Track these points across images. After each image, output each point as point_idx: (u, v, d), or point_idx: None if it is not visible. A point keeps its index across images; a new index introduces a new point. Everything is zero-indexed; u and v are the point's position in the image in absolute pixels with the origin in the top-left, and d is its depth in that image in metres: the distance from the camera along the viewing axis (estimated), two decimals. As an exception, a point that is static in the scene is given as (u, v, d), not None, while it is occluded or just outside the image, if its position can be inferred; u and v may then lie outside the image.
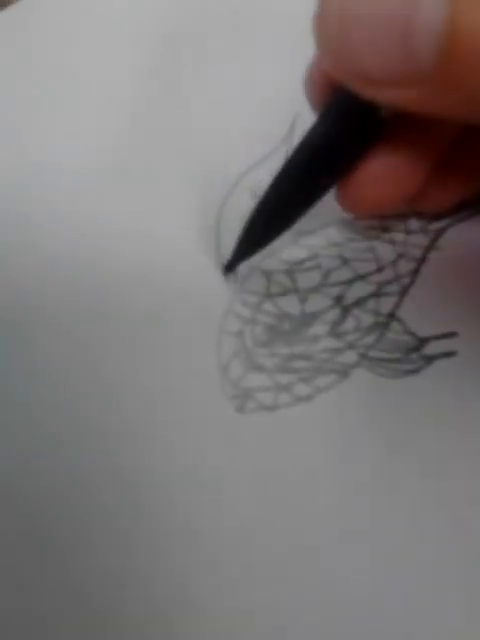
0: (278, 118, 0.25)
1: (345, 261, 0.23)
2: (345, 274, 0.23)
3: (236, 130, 0.26)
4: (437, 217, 0.24)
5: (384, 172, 0.20)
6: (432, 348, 0.22)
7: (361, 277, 0.23)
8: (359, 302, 0.23)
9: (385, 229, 0.24)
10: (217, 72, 0.27)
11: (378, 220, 0.24)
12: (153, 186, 0.25)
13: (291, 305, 0.23)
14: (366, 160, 0.20)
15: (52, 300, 0.24)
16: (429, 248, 0.24)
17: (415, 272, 0.23)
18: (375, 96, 0.17)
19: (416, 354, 0.22)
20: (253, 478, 0.21)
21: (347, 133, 0.20)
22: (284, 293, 0.23)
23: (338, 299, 0.23)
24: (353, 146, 0.20)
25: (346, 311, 0.23)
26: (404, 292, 0.23)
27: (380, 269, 0.23)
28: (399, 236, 0.24)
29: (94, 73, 0.28)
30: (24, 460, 0.22)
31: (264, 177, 0.24)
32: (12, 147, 0.27)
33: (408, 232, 0.24)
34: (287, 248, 0.24)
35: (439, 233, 0.24)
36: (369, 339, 0.22)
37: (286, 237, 0.24)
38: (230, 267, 0.23)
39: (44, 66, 0.28)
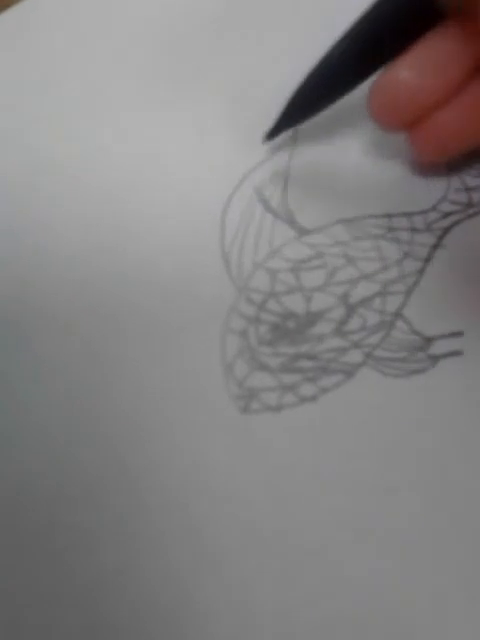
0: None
1: (350, 260, 0.23)
2: (350, 273, 0.23)
3: (239, 130, 0.26)
4: (440, 201, 0.24)
5: (427, 62, 0.21)
6: (438, 347, 0.22)
7: (366, 276, 0.23)
8: (364, 301, 0.23)
9: (390, 228, 0.24)
10: (219, 72, 0.27)
11: (385, 218, 0.24)
12: (155, 185, 0.25)
13: (296, 304, 0.23)
14: (398, 63, 0.21)
15: (54, 299, 0.24)
16: (435, 247, 0.23)
17: (421, 271, 0.23)
18: None
19: (422, 353, 0.22)
20: (257, 479, 0.21)
21: (402, 18, 0.21)
22: (289, 292, 0.23)
23: (343, 298, 0.23)
24: (407, 32, 0.21)
25: (351, 310, 0.23)
26: (410, 291, 0.23)
27: (385, 268, 0.23)
28: (404, 235, 0.24)
29: (96, 74, 0.28)
30: (27, 460, 0.22)
31: (268, 177, 0.25)
32: (14, 147, 0.27)
33: (414, 230, 0.24)
34: (292, 246, 0.24)
35: (445, 231, 0.24)
36: (375, 338, 0.22)
37: (291, 235, 0.24)
38: (273, 134, 0.24)
39: (46, 66, 0.28)
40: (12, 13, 0.29)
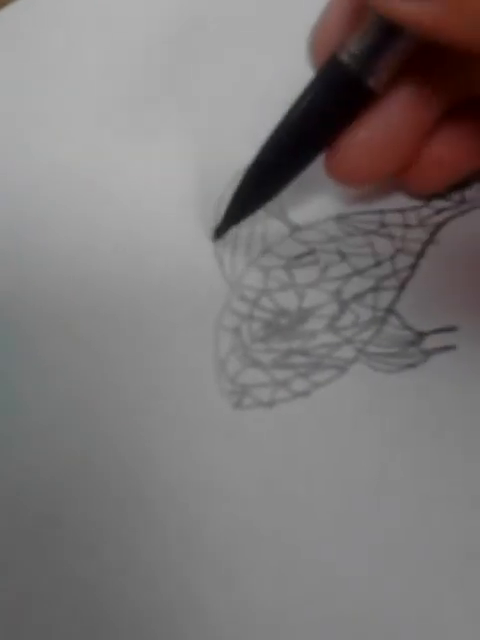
0: (276, 116, 0.25)
1: (343, 256, 0.23)
2: (343, 269, 0.23)
3: (234, 128, 0.26)
4: (433, 197, 0.24)
5: (368, 141, 0.21)
6: (431, 342, 0.22)
7: (359, 272, 0.23)
8: (357, 297, 0.23)
9: (383, 224, 0.24)
10: (216, 70, 0.27)
11: (378, 214, 0.24)
12: (152, 184, 0.25)
13: (289, 300, 0.23)
14: (352, 129, 0.21)
15: (52, 298, 0.24)
16: (427, 242, 0.23)
17: (413, 266, 0.23)
18: (395, 12, 0.17)
19: (414, 348, 0.22)
20: (250, 474, 0.21)
21: (335, 101, 0.21)
22: (282, 288, 0.23)
23: (336, 294, 0.23)
24: (340, 114, 0.21)
25: (344, 306, 0.23)
26: (402, 286, 0.23)
27: (378, 264, 0.23)
28: (397, 230, 0.24)
29: (93, 71, 0.28)
30: (27, 460, 0.22)
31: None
32: (13, 146, 0.27)
33: (406, 226, 0.24)
34: (285, 243, 0.24)
35: (438, 227, 0.24)
36: (367, 334, 0.22)
37: (284, 232, 0.24)
38: (219, 232, 0.24)
39: (44, 64, 0.28)
40: (8, 11, 0.29)
